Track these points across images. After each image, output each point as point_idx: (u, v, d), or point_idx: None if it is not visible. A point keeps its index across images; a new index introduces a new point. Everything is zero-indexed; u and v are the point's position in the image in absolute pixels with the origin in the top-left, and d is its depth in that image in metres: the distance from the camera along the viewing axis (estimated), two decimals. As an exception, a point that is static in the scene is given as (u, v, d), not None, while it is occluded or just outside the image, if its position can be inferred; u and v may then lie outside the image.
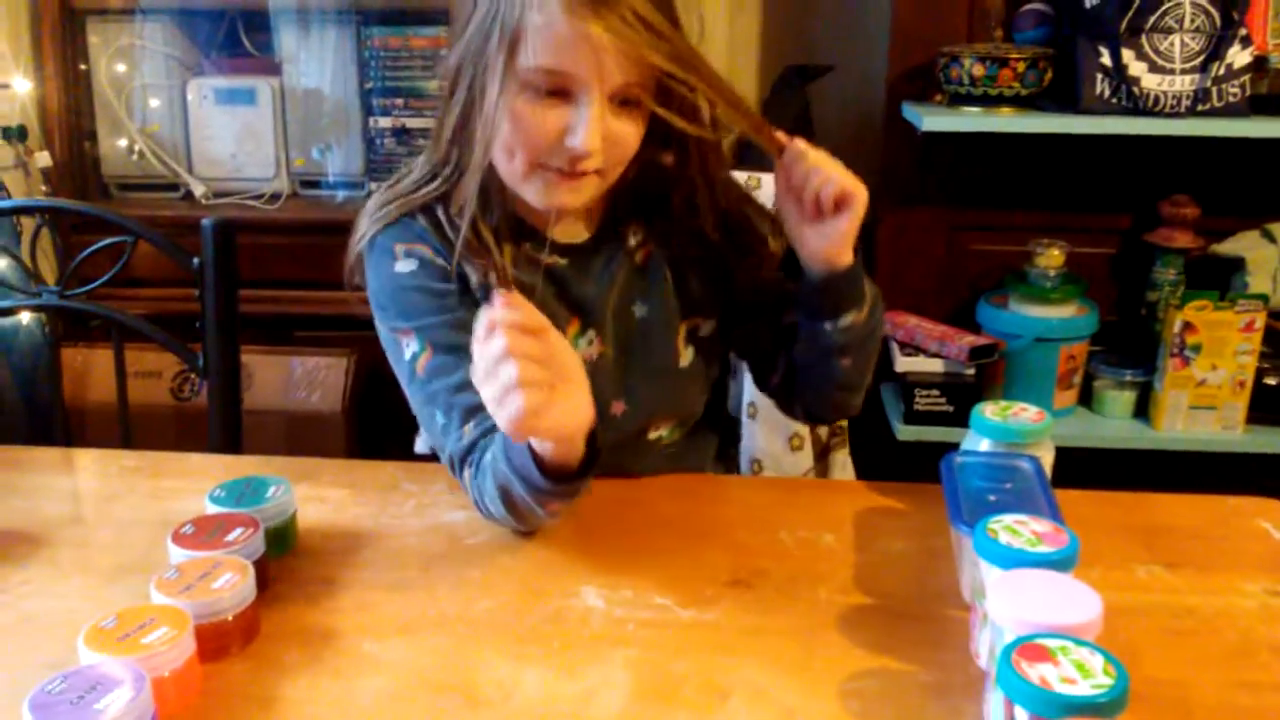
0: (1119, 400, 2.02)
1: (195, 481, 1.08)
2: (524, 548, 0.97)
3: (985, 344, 1.95)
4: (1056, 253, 1.97)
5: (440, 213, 1.05)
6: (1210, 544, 1.00)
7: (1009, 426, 0.99)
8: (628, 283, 1.09)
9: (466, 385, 0.93)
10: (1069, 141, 1.92)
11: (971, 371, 1.96)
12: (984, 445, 1.01)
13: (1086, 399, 2.05)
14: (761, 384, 1.18)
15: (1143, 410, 2.01)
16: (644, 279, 1.10)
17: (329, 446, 1.99)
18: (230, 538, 0.87)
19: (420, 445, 1.44)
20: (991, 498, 0.91)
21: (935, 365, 1.96)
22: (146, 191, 2.26)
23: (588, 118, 0.93)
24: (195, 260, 1.24)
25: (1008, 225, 2.08)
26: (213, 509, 0.93)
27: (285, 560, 0.94)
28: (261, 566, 0.88)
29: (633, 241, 1.10)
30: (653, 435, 1.14)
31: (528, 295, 0.83)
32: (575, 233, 1.10)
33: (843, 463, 1.42)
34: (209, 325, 1.25)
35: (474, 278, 1.04)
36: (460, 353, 0.97)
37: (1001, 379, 2.01)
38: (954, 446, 1.02)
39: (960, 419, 1.94)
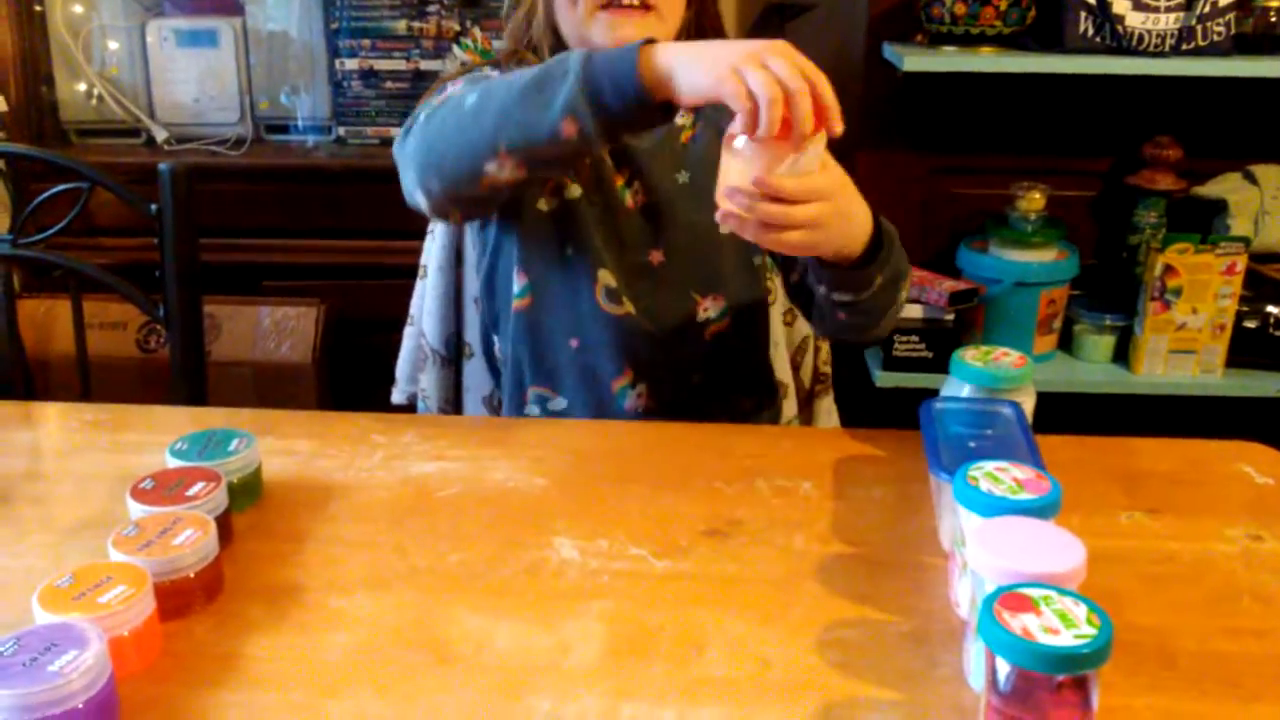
0: (1099, 345, 2.01)
1: (158, 435, 1.05)
2: (496, 499, 0.95)
3: (965, 289, 1.93)
4: (1037, 196, 1.95)
5: None
6: (1191, 488, 0.99)
7: (990, 372, 0.98)
8: (673, 153, 1.17)
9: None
10: (1051, 82, 1.89)
11: (951, 317, 1.94)
12: (965, 391, 1.00)
13: (1066, 343, 2.04)
14: (787, 286, 1.24)
15: (1122, 354, 2.00)
16: (687, 153, 1.17)
17: (299, 398, 1.97)
18: (191, 492, 0.85)
19: (396, 396, 1.43)
20: (972, 444, 0.89)
21: (914, 311, 1.94)
22: (106, 137, 2.20)
23: None
24: (153, 206, 1.20)
25: (988, 168, 2.05)
26: (174, 463, 0.91)
27: (250, 515, 0.92)
28: (225, 522, 0.86)
29: (680, 120, 1.17)
30: (700, 316, 1.17)
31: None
32: None
33: (828, 410, 1.40)
34: (169, 273, 1.22)
35: None
36: None
37: (981, 324, 2.00)
38: (934, 393, 1.00)
39: (940, 365, 1.92)
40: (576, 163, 1.13)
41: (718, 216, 0.91)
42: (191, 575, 0.78)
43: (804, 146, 0.86)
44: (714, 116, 1.20)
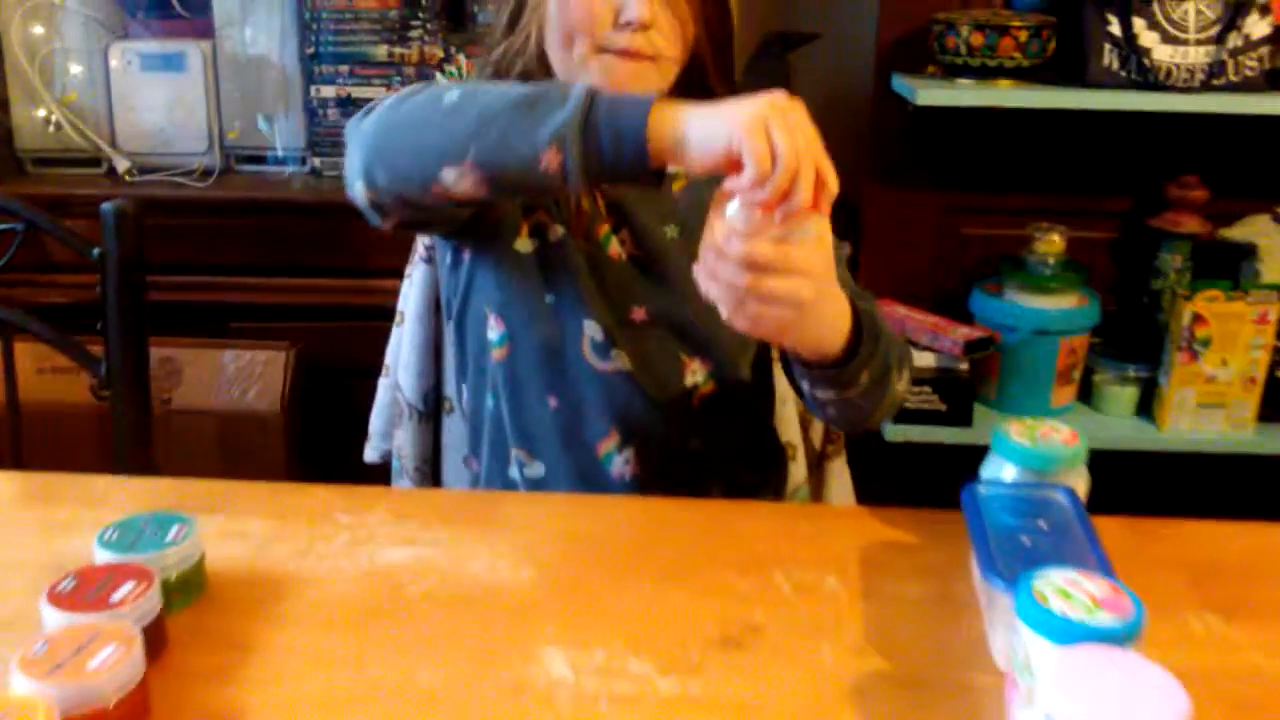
0: (1120, 397, 1.92)
1: (94, 510, 0.94)
2: (476, 597, 0.84)
3: (981, 336, 1.83)
4: (1056, 238, 1.86)
5: None
6: (1266, 585, 0.88)
7: (1039, 451, 0.87)
8: (662, 205, 1.08)
9: None
10: (1071, 118, 1.81)
11: (965, 366, 1.84)
12: (1009, 473, 0.89)
13: (1086, 395, 1.94)
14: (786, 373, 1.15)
15: (1146, 408, 1.90)
16: (676, 206, 1.08)
17: (265, 451, 1.85)
18: (118, 596, 0.73)
19: (369, 454, 1.33)
20: (1025, 539, 0.79)
21: (926, 359, 1.84)
22: (65, 167, 2.09)
23: None
24: (96, 250, 1.09)
25: (1003, 208, 1.97)
26: (102, 556, 0.79)
27: (189, 616, 0.80)
28: (157, 628, 0.75)
29: (672, 169, 1.05)
30: (689, 380, 1.08)
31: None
32: None
33: (839, 472, 1.29)
34: (112, 323, 1.10)
35: None
36: None
37: (996, 374, 1.90)
38: (947, 449, 0.90)
39: (954, 418, 1.82)
40: (540, 199, 1.04)
41: (695, 271, 0.84)
42: (109, 707, 0.66)
43: (792, 223, 0.80)
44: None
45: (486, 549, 0.90)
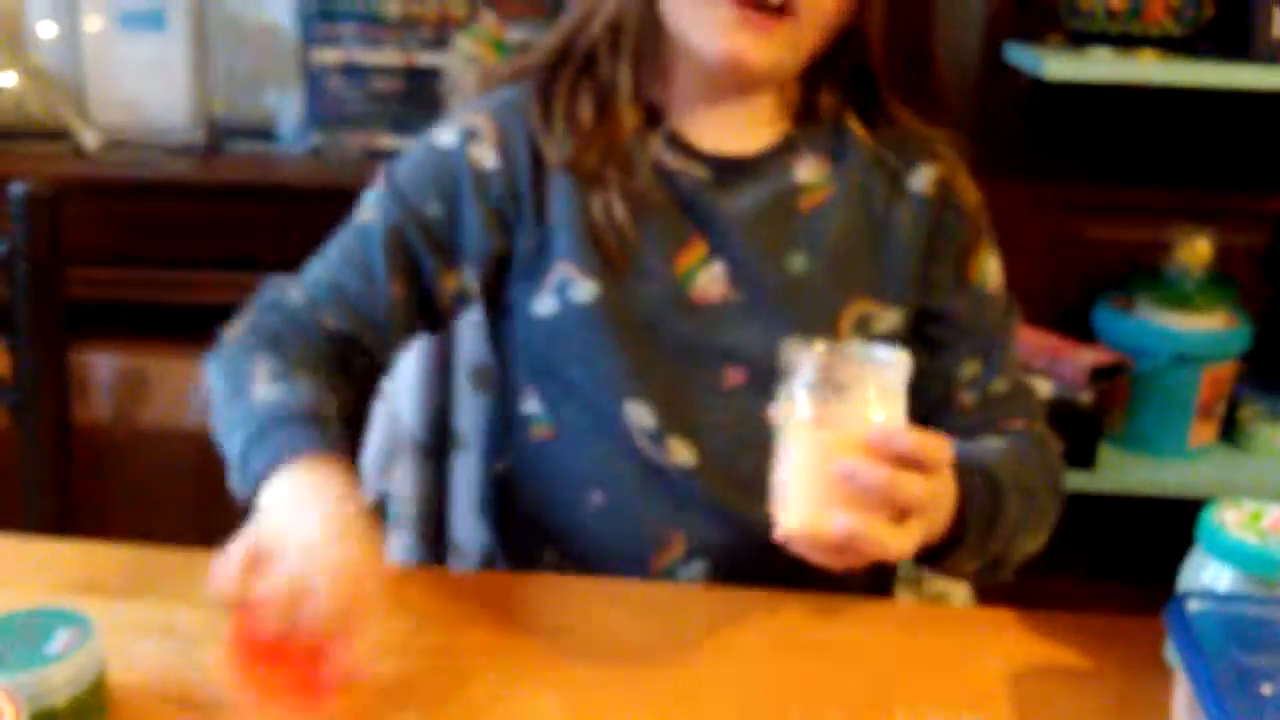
0: (1273, 437, 1.74)
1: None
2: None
3: (1110, 363, 1.65)
4: (1202, 244, 1.68)
5: (560, 83, 0.90)
6: None
7: (1269, 552, 0.68)
8: (785, 224, 0.89)
9: (372, 268, 0.90)
10: (1226, 99, 1.64)
11: (1089, 397, 1.65)
12: (1224, 579, 0.69)
13: (1229, 434, 1.77)
14: None
15: (1305, 450, 1.74)
16: (807, 227, 0.89)
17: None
18: (-38, 742, 0.55)
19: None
20: (1265, 688, 0.61)
21: (1042, 388, 1.65)
22: (26, 141, 1.98)
23: None
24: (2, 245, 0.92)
25: (1137, 206, 1.82)
26: (-42, 674, 0.62)
27: (75, 762, 0.62)
28: (21, 787, 0.57)
29: (803, 177, 0.89)
30: None
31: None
32: (734, 142, 0.89)
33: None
34: (21, 336, 0.93)
35: (558, 154, 0.88)
36: (405, 249, 0.89)
37: (1123, 408, 1.72)
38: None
39: (1074, 458, 1.63)
40: None
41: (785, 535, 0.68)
42: None
43: None
44: (866, 183, 0.90)
45: (494, 660, 0.73)
